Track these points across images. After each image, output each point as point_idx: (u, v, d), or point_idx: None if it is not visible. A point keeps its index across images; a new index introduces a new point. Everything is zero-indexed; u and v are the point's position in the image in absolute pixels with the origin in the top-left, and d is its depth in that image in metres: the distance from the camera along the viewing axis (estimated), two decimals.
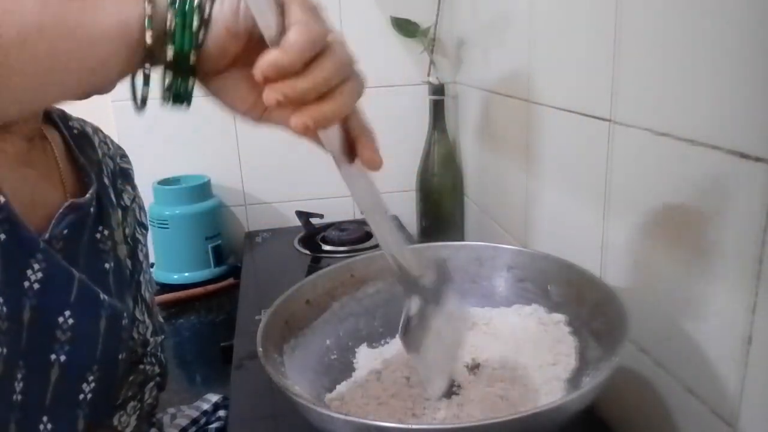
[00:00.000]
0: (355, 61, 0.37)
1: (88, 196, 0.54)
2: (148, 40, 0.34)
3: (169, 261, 1.13)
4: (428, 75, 1.13)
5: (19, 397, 0.47)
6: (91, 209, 0.55)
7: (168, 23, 0.35)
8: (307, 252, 1.09)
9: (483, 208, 1.07)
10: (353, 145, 0.40)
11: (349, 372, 0.60)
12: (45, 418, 0.49)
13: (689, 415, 0.51)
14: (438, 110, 1.10)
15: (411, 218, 1.23)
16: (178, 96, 0.37)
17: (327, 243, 1.11)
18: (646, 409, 0.57)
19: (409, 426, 0.45)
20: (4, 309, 0.45)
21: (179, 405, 0.72)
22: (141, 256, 0.64)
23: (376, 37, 1.17)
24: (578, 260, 0.59)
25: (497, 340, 0.61)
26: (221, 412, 0.72)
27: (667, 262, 0.52)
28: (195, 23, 0.35)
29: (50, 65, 0.34)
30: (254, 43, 0.36)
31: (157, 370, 0.64)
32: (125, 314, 0.56)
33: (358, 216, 1.25)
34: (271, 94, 0.34)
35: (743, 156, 0.41)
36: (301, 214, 1.17)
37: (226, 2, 0.35)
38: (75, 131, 0.58)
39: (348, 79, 0.36)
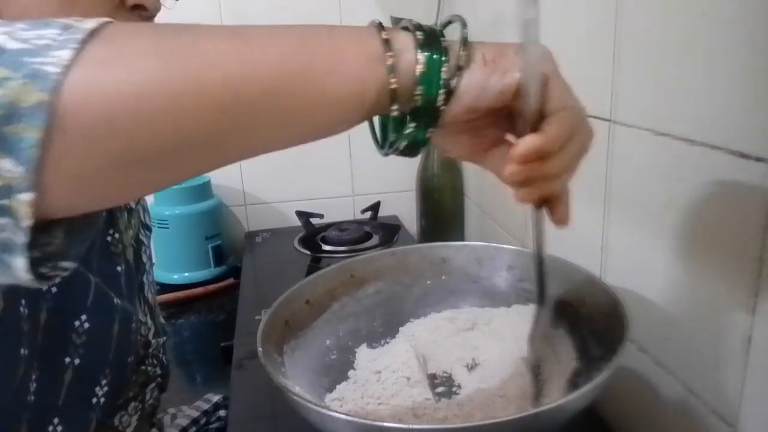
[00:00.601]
0: (589, 146, 0.37)
1: None
2: (393, 85, 0.33)
3: (169, 261, 1.13)
4: None
5: (32, 397, 0.47)
6: (103, 212, 0.55)
7: (419, 67, 0.33)
8: (307, 252, 1.09)
9: (483, 208, 1.07)
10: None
11: (348, 372, 0.60)
12: (56, 420, 0.49)
13: (689, 415, 0.51)
14: None
15: (411, 218, 1.23)
16: (416, 141, 0.36)
17: (327, 243, 1.11)
18: (646, 409, 0.57)
19: (410, 426, 0.45)
20: (26, 311, 0.45)
21: (180, 405, 0.72)
22: (144, 258, 0.64)
23: None
24: (578, 260, 0.59)
25: (497, 340, 0.61)
26: (221, 412, 0.72)
27: (667, 261, 0.52)
28: (440, 100, 0.33)
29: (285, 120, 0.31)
30: (490, 113, 0.36)
31: (158, 371, 0.64)
32: (134, 317, 0.56)
33: (358, 216, 1.26)
34: (518, 174, 0.34)
35: (743, 156, 0.41)
36: (301, 214, 1.17)
37: (475, 76, 0.34)
38: None
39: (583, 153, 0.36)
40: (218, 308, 1.06)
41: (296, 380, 0.51)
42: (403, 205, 1.26)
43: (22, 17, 0.43)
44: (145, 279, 0.64)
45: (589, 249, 0.65)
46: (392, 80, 0.32)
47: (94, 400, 0.52)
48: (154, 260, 0.69)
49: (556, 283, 0.60)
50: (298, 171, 1.22)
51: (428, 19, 1.12)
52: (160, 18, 0.53)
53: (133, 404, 0.59)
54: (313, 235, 1.15)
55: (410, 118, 0.34)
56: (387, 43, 0.33)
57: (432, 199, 1.14)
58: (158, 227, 1.10)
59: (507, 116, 0.37)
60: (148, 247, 0.66)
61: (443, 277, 0.67)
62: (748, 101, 0.41)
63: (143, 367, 0.61)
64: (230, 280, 1.13)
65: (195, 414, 0.69)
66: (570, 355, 0.57)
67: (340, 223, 1.19)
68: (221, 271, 1.16)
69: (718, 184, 0.45)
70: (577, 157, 0.36)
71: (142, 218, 0.65)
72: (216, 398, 0.72)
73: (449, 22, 0.37)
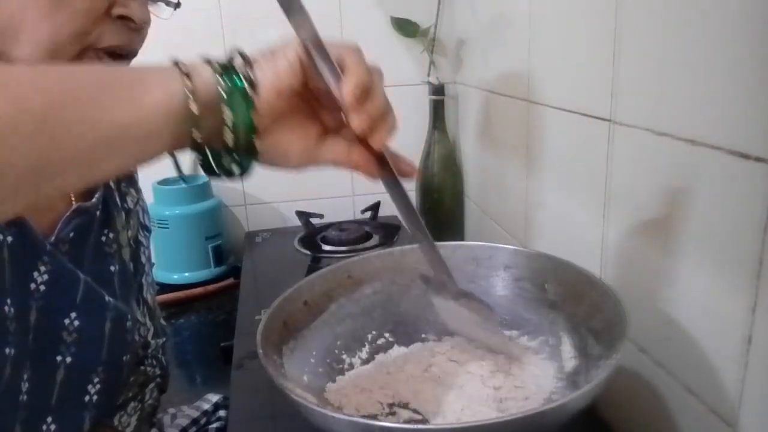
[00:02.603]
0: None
1: (94, 200, 0.55)
2: (195, 111, 0.36)
3: (169, 261, 1.13)
4: (428, 75, 1.13)
5: (25, 397, 0.47)
6: (97, 213, 0.55)
7: (223, 94, 0.37)
8: (307, 252, 1.09)
9: (483, 208, 1.07)
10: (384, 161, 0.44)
11: (348, 373, 0.60)
12: (49, 419, 0.49)
13: (689, 415, 0.51)
14: (438, 110, 1.10)
15: None
16: (239, 164, 0.40)
17: (327, 243, 1.11)
18: (646, 409, 0.57)
19: (411, 426, 0.45)
20: (12, 310, 0.45)
21: (180, 405, 0.72)
22: (143, 259, 0.64)
23: (376, 37, 1.17)
24: (578, 260, 0.59)
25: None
26: (221, 412, 0.72)
27: (667, 261, 0.52)
28: (248, 88, 0.37)
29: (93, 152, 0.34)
30: (292, 99, 0.40)
31: (158, 371, 0.64)
32: (129, 316, 0.56)
33: (358, 216, 1.26)
34: (360, 118, 0.39)
35: (743, 156, 0.41)
36: (301, 214, 1.17)
37: (266, 69, 0.39)
38: None
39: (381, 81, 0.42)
40: (218, 308, 1.06)
41: (296, 381, 0.51)
42: None
43: (6, 25, 0.43)
44: (144, 280, 0.64)
45: (589, 249, 0.65)
46: (188, 83, 0.36)
47: (87, 398, 0.52)
48: (153, 261, 0.69)
49: (554, 281, 0.61)
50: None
51: (428, 19, 1.12)
52: (160, 25, 0.53)
53: (132, 404, 0.59)
54: (313, 235, 1.15)
55: (231, 139, 0.37)
56: (181, 68, 0.37)
57: (432, 199, 1.15)
58: (158, 227, 1.10)
59: (318, 109, 0.43)
60: (147, 248, 0.66)
61: None
62: (748, 101, 0.41)
63: (142, 368, 0.61)
64: (230, 280, 1.13)
65: (195, 414, 0.70)
66: (570, 354, 0.57)
67: (340, 223, 1.19)
68: (221, 271, 1.16)
69: (718, 184, 0.45)
70: (383, 84, 0.42)
71: (141, 219, 0.65)
72: (216, 398, 0.72)
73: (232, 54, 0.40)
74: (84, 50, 0.47)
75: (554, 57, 0.72)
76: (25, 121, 0.30)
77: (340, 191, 1.26)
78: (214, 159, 0.39)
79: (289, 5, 0.40)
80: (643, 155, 0.54)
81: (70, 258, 0.50)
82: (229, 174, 0.40)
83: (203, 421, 0.70)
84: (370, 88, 0.40)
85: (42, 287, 0.47)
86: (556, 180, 0.75)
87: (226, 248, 1.19)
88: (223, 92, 0.37)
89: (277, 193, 1.25)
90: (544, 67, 0.75)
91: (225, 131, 0.37)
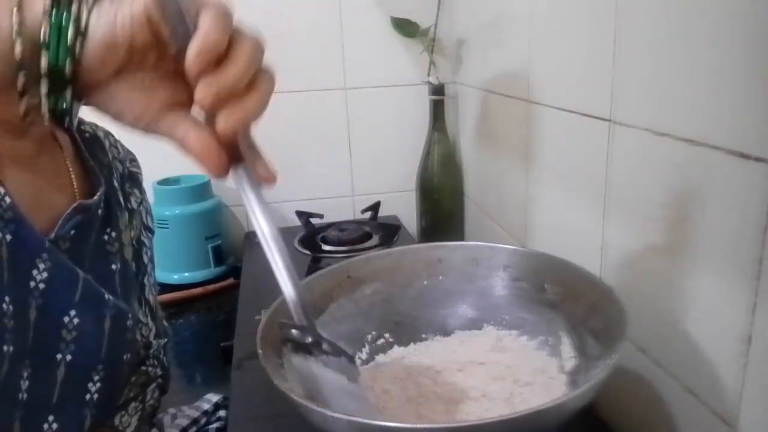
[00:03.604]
0: (264, 51, 0.36)
1: (96, 198, 0.55)
2: (17, 52, 0.33)
3: (169, 261, 1.13)
4: (428, 75, 1.13)
5: (25, 395, 0.47)
6: (99, 211, 0.55)
7: (42, 35, 0.34)
8: (307, 252, 1.09)
9: (483, 208, 1.07)
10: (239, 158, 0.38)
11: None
12: (51, 418, 0.49)
13: (689, 415, 0.51)
14: (438, 110, 1.10)
15: (411, 218, 1.23)
16: (57, 110, 0.36)
17: (327, 243, 1.11)
18: (646, 409, 0.57)
19: (411, 426, 0.44)
20: (11, 308, 0.45)
21: (180, 405, 0.72)
22: (146, 259, 0.64)
23: (376, 37, 1.17)
24: (578, 260, 0.59)
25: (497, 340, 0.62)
26: (221, 412, 0.72)
27: (667, 262, 0.52)
28: (70, 35, 0.34)
29: None
30: (138, 53, 0.35)
31: (159, 372, 0.64)
32: (130, 315, 0.56)
33: (358, 216, 1.26)
34: (205, 89, 0.34)
35: (743, 156, 0.41)
36: (301, 214, 1.17)
37: (103, 14, 0.34)
38: (87, 134, 0.58)
39: (262, 71, 0.36)
40: (218, 308, 1.06)
41: (296, 381, 0.51)
42: (403, 205, 1.26)
43: None
44: (146, 280, 0.64)
45: (589, 249, 0.65)
46: (16, 17, 0.33)
47: (87, 396, 0.52)
48: (155, 262, 0.69)
49: (553, 281, 0.61)
50: (298, 171, 1.22)
51: (428, 19, 1.12)
52: None
53: (133, 404, 0.59)
54: (313, 235, 1.15)
55: (46, 81, 0.34)
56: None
57: (432, 199, 1.15)
58: (158, 227, 1.09)
59: (175, 79, 0.37)
60: (150, 249, 0.66)
61: (439, 278, 0.67)
62: (748, 101, 0.41)
63: (144, 368, 0.61)
64: (230, 280, 1.13)
65: (195, 414, 0.69)
66: (569, 353, 0.57)
67: (340, 223, 1.19)
68: (221, 271, 1.16)
69: (718, 184, 0.45)
70: (254, 57, 0.35)
71: (145, 220, 0.65)
72: (216, 398, 0.72)
73: None
74: None
75: (554, 57, 0.72)
76: None
77: (340, 191, 1.26)
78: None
79: None
80: (643, 155, 0.54)
81: (69, 256, 0.50)
82: (57, 117, 0.36)
83: (203, 421, 0.70)
84: (226, 54, 0.34)
85: (41, 285, 0.47)
86: (555, 180, 0.75)
87: (226, 248, 1.19)
88: (42, 33, 0.33)
89: (277, 193, 1.25)
90: (544, 67, 0.75)
91: (40, 78, 0.34)
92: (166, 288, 1.09)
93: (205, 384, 0.86)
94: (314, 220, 1.18)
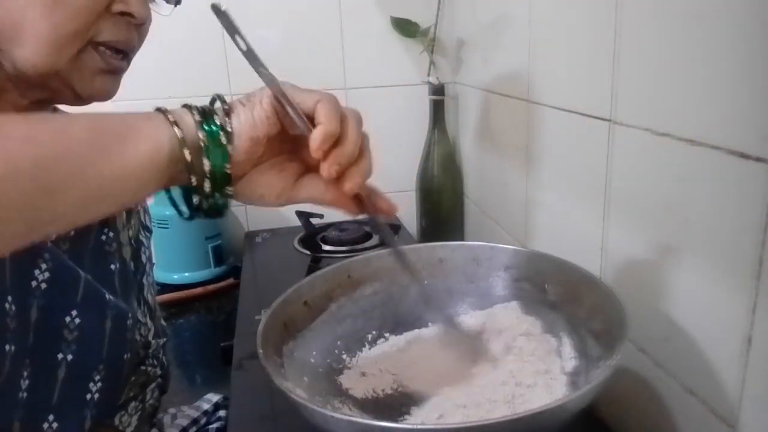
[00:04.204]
0: (363, 122, 0.44)
1: None
2: (188, 157, 0.39)
3: (169, 261, 1.13)
4: (428, 75, 1.13)
5: (25, 395, 0.47)
6: None
7: (202, 142, 0.40)
8: (307, 252, 1.09)
9: (483, 208, 1.07)
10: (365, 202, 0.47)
11: (347, 373, 0.60)
12: (51, 417, 0.49)
13: (689, 415, 0.51)
14: (438, 110, 1.10)
15: (411, 218, 1.23)
16: (215, 206, 0.42)
17: (327, 243, 1.11)
18: (646, 409, 0.57)
19: (411, 426, 0.45)
20: (13, 308, 0.45)
21: (180, 405, 0.72)
22: (144, 259, 0.64)
23: (376, 37, 1.17)
24: (578, 260, 0.59)
25: (496, 340, 0.61)
26: (222, 412, 0.72)
27: (667, 262, 0.52)
28: (223, 139, 0.40)
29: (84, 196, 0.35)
30: (272, 143, 0.43)
31: (158, 371, 0.64)
32: (130, 315, 0.56)
33: (358, 216, 1.25)
34: (329, 167, 0.42)
35: (743, 156, 0.41)
36: (301, 214, 1.17)
37: (242, 117, 0.41)
38: None
39: (365, 137, 0.44)
40: (218, 308, 1.06)
41: (296, 381, 0.51)
42: (403, 206, 1.25)
43: (6, 25, 0.43)
44: (144, 280, 0.64)
45: (589, 249, 0.65)
46: (178, 132, 0.39)
47: (88, 396, 0.52)
48: (153, 261, 0.69)
49: (554, 282, 0.61)
50: None
51: (428, 19, 1.12)
52: (159, 24, 0.53)
53: (133, 404, 0.60)
54: (313, 235, 1.15)
55: (209, 185, 0.41)
56: (167, 115, 0.40)
57: (432, 199, 1.15)
58: (158, 227, 1.10)
59: (298, 151, 0.45)
60: (148, 248, 0.66)
61: (440, 278, 0.67)
62: (748, 101, 0.41)
63: (143, 368, 0.61)
64: (230, 280, 1.13)
65: (195, 414, 0.69)
66: (569, 354, 0.57)
67: (340, 223, 1.19)
68: (221, 271, 1.16)
69: (718, 184, 0.45)
70: (359, 130, 0.43)
71: (143, 219, 0.65)
72: (216, 398, 0.72)
73: (213, 100, 0.43)
74: (85, 46, 0.47)
75: (554, 57, 0.72)
76: (18, 177, 0.32)
77: None
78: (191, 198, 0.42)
79: (252, 57, 0.42)
80: (643, 155, 0.54)
81: (70, 256, 0.50)
82: (207, 215, 0.43)
83: (203, 421, 0.70)
84: (340, 136, 0.41)
85: (43, 285, 0.47)
86: (556, 180, 0.75)
87: (226, 248, 1.19)
88: (201, 142, 0.39)
89: None
90: (544, 67, 0.75)
91: (204, 179, 0.40)
92: (166, 288, 1.09)
93: (205, 384, 0.86)
94: (314, 220, 1.18)
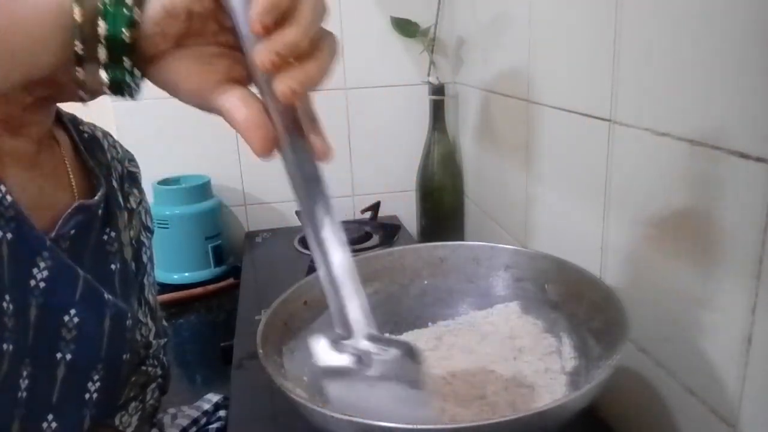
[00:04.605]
0: (327, 15, 0.35)
1: (96, 198, 0.55)
2: (77, 17, 0.32)
3: (169, 261, 1.13)
4: (428, 75, 1.13)
5: (24, 394, 0.47)
6: (99, 211, 0.55)
7: (100, 1, 0.33)
8: (307, 252, 1.09)
9: (483, 208, 1.07)
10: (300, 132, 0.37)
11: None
12: (50, 417, 0.49)
13: (689, 415, 0.51)
14: (438, 110, 1.10)
15: (411, 218, 1.23)
16: (117, 82, 0.35)
17: None
18: (646, 409, 0.57)
19: (411, 426, 0.44)
20: (11, 307, 0.45)
21: (180, 405, 0.72)
22: (145, 259, 0.64)
23: (376, 37, 1.17)
24: (578, 260, 0.59)
25: (496, 339, 0.61)
26: (222, 412, 0.72)
27: (667, 262, 0.52)
28: (129, 1, 0.33)
29: None
30: (197, 20, 0.34)
31: (159, 372, 0.64)
32: (129, 315, 0.56)
33: (358, 216, 1.26)
34: (265, 50, 0.33)
35: (743, 156, 0.41)
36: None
37: None
38: (85, 135, 0.59)
39: (324, 34, 0.35)
40: (218, 308, 1.06)
41: (296, 381, 0.51)
42: (403, 205, 1.26)
43: None
44: (145, 280, 0.64)
45: (589, 249, 0.65)
46: (75, 8, 0.32)
47: (87, 395, 0.52)
48: (154, 262, 0.69)
49: (554, 282, 0.61)
50: None
51: (428, 19, 1.12)
52: None
53: (133, 404, 0.60)
54: None
55: (104, 54, 0.33)
56: None
57: (432, 199, 1.15)
58: (158, 227, 1.10)
59: (233, 55, 0.36)
60: (149, 248, 0.66)
61: (441, 278, 0.67)
62: (748, 101, 0.41)
63: (143, 368, 0.61)
64: (230, 280, 1.13)
65: (195, 414, 0.69)
66: (569, 354, 0.57)
67: (340, 223, 1.19)
68: (221, 271, 1.16)
69: (718, 184, 0.45)
70: (316, 17, 0.34)
71: (144, 220, 0.65)
72: (216, 398, 0.72)
73: None
74: None
75: (554, 57, 0.72)
76: None
77: (340, 191, 1.26)
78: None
79: None
80: (643, 155, 0.54)
81: (69, 255, 0.50)
82: (113, 91, 0.35)
83: (203, 421, 0.70)
84: (289, 13, 0.33)
85: (42, 284, 0.47)
86: (555, 180, 0.75)
87: (226, 248, 1.19)
88: (100, 1, 0.33)
89: (277, 193, 1.25)
90: (544, 67, 0.75)
91: (98, 45, 0.33)
92: (166, 288, 1.09)
93: (205, 384, 0.86)
94: None
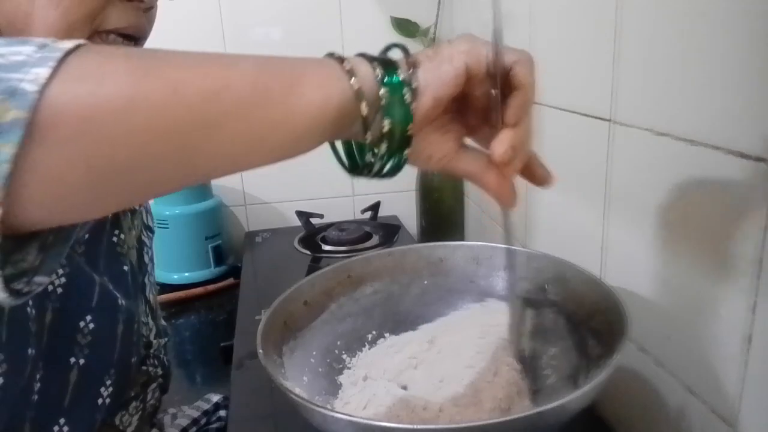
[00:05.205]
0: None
1: None
2: (364, 112, 0.34)
3: (169, 261, 1.13)
4: None
5: (36, 397, 0.47)
6: (77, 227, 0.55)
7: (383, 99, 0.35)
8: (307, 252, 1.09)
9: (483, 208, 1.07)
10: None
11: (347, 373, 0.60)
12: (62, 420, 0.49)
13: (689, 415, 0.51)
14: None
15: (411, 218, 1.23)
16: (385, 168, 0.38)
17: (327, 243, 1.11)
18: (646, 408, 0.57)
19: (411, 426, 0.45)
20: (33, 312, 0.45)
21: (180, 405, 0.72)
22: (146, 259, 0.65)
23: (376, 37, 1.17)
24: (579, 260, 0.59)
25: (496, 339, 0.61)
26: (222, 412, 0.72)
27: (667, 262, 0.52)
28: (407, 97, 0.35)
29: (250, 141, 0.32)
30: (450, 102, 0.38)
31: (159, 371, 0.64)
32: (137, 317, 0.56)
33: (358, 216, 1.26)
34: (505, 149, 0.37)
35: (743, 156, 0.41)
36: (301, 214, 1.17)
37: (429, 74, 0.36)
38: None
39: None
40: (218, 308, 1.06)
41: (296, 381, 0.51)
42: (403, 205, 1.26)
43: (16, 16, 0.43)
44: (146, 280, 0.64)
45: (589, 249, 0.65)
46: (355, 82, 0.34)
47: (100, 401, 0.52)
48: (154, 261, 0.69)
49: (554, 281, 0.61)
50: (298, 171, 1.22)
51: (428, 19, 1.12)
52: (165, 10, 0.53)
53: (134, 404, 0.60)
54: (313, 235, 1.15)
55: (385, 146, 0.36)
56: (344, 63, 0.35)
57: (432, 199, 1.14)
58: (158, 227, 1.09)
59: (463, 112, 0.40)
60: (150, 248, 0.66)
61: (441, 277, 0.67)
62: (748, 101, 0.41)
63: (144, 368, 0.62)
64: (230, 280, 1.13)
65: (195, 414, 0.69)
66: (570, 354, 0.57)
67: (340, 223, 1.19)
68: (221, 271, 1.16)
69: (718, 184, 0.45)
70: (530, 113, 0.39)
71: (145, 220, 0.65)
72: (216, 398, 0.72)
73: (388, 48, 0.39)
74: (94, 33, 0.46)
75: (554, 57, 0.72)
76: (181, 107, 0.29)
77: (340, 191, 1.26)
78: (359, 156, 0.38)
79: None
80: (643, 155, 0.54)
81: (86, 260, 0.51)
82: (373, 175, 0.39)
83: (203, 421, 0.70)
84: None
85: (59, 289, 0.48)
86: (556, 180, 0.75)
87: (226, 248, 1.19)
88: (383, 97, 0.34)
89: (277, 193, 1.25)
90: (544, 67, 0.75)
91: (381, 140, 0.35)
92: (166, 288, 1.09)
93: (205, 384, 0.86)
94: (314, 220, 1.18)
